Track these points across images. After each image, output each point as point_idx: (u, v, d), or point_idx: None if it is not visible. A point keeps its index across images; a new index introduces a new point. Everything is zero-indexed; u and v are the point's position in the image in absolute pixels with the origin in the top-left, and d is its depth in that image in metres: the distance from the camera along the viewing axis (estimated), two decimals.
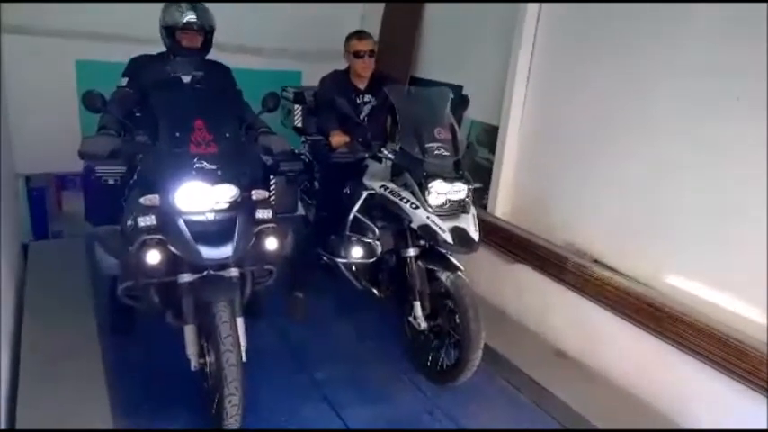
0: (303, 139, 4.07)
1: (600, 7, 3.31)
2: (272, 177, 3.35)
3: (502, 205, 4.02)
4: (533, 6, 3.67)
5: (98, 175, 2.90)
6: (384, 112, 3.57)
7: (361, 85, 3.57)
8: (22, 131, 4.13)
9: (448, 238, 2.80)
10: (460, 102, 3.24)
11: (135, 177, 2.83)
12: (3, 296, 2.77)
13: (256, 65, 4.51)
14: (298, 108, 4.04)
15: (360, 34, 3.54)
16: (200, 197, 2.41)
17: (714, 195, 2.78)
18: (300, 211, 3.96)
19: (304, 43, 4.87)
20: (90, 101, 2.56)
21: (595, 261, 3.33)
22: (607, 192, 3.31)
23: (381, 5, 5.13)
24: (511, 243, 3.77)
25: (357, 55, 3.48)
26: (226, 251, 2.41)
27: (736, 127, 2.68)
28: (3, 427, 2.30)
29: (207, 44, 3.06)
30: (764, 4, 2.55)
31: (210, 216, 2.44)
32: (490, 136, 4.11)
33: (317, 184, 3.85)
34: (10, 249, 3.33)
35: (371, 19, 5.10)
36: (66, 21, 4.22)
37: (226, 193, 2.45)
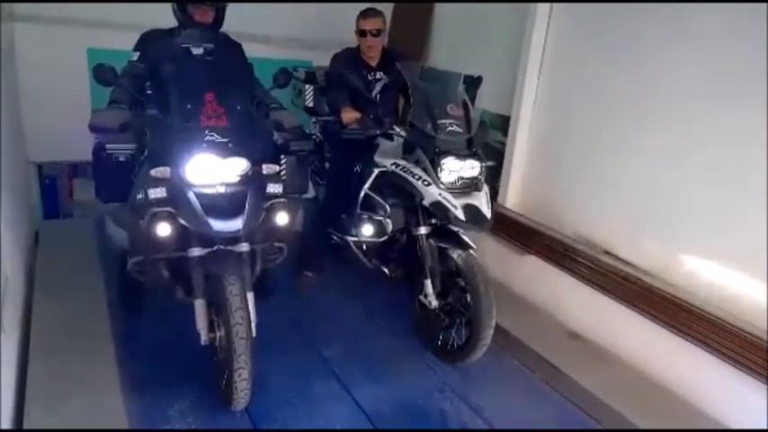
0: (314, 119, 4.04)
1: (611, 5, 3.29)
2: (282, 157, 3.32)
3: (512, 197, 3.99)
4: (544, 5, 3.65)
5: (108, 152, 2.88)
6: (396, 90, 3.53)
7: (373, 63, 3.53)
8: (34, 120, 4.13)
9: (460, 215, 2.77)
10: (473, 81, 3.20)
11: (145, 153, 2.81)
12: (14, 277, 2.78)
13: (266, 54, 4.47)
14: (309, 88, 4.01)
15: (367, 12, 3.49)
16: (210, 170, 2.39)
17: (725, 188, 2.75)
18: (311, 192, 3.93)
19: (314, 33, 4.83)
20: (101, 73, 2.55)
21: (606, 252, 3.29)
22: (618, 183, 3.28)
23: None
24: (522, 234, 3.74)
25: (362, 33, 3.45)
26: (236, 224, 2.39)
27: (746, 121, 2.65)
28: (10, 412, 2.29)
29: (219, 19, 3.04)
30: (764, 5, 2.55)
31: (221, 189, 2.43)
32: (502, 120, 4.07)
33: (327, 164, 3.82)
34: (22, 234, 3.34)
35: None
36: (78, 9, 4.20)
37: (236, 167, 2.43)
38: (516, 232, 3.78)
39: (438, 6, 4.82)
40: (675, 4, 2.92)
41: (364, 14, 3.48)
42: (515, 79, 3.84)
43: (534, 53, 3.72)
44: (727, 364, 2.63)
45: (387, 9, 4.97)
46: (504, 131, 4.04)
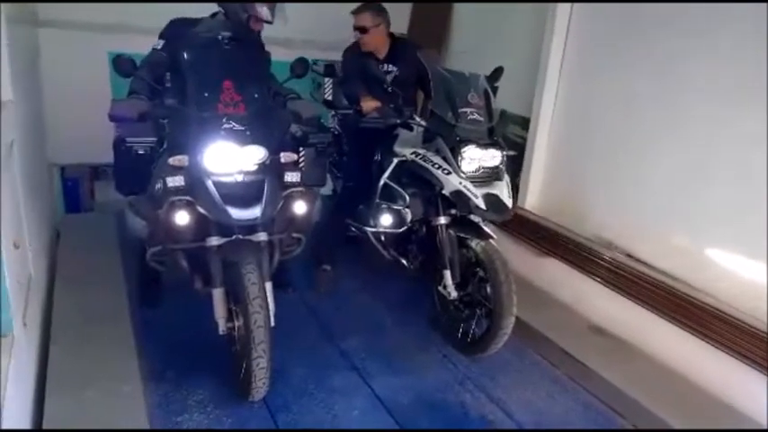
0: (332, 112, 4.03)
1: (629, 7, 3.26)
2: (301, 149, 3.31)
3: (532, 198, 3.95)
4: (564, 6, 3.61)
5: (128, 144, 2.88)
6: (412, 81, 3.49)
7: (380, 55, 3.49)
8: (56, 123, 4.18)
9: (480, 203, 2.73)
10: (494, 71, 3.15)
11: (165, 145, 2.81)
12: (37, 273, 2.80)
13: (285, 56, 4.48)
14: (328, 81, 4.01)
15: (355, 10, 3.46)
16: (228, 158, 2.38)
17: (750, 192, 2.68)
18: (329, 186, 3.92)
19: (333, 34, 4.82)
20: (121, 65, 2.55)
21: (629, 256, 3.23)
22: (640, 186, 3.23)
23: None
24: (542, 237, 3.70)
25: (354, 29, 3.44)
26: (254, 212, 2.38)
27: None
28: (30, 400, 2.30)
29: None
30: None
31: (239, 178, 2.42)
32: (523, 120, 4.02)
33: (345, 157, 3.80)
34: (44, 233, 3.38)
35: (400, 14, 4.98)
36: (100, 14, 4.25)
37: (254, 155, 2.42)
38: (536, 234, 3.73)
39: (457, 7, 4.79)
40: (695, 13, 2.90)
41: (353, 12, 3.46)
42: (535, 80, 3.80)
43: (555, 54, 3.69)
44: (744, 365, 2.60)
45: (406, 9, 4.96)
46: (525, 126, 3.98)
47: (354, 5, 3.48)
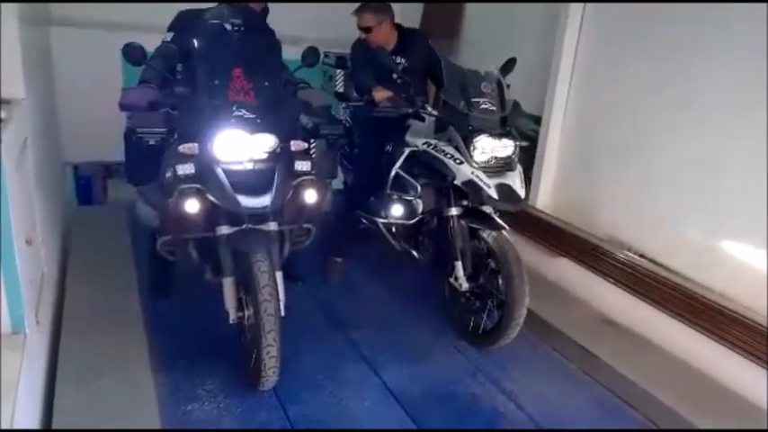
0: (343, 104, 4.00)
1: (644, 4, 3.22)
2: (312, 141, 3.29)
3: (544, 197, 3.91)
4: (577, 5, 3.57)
5: (139, 135, 2.87)
6: (423, 72, 3.45)
7: (388, 48, 3.43)
8: (69, 121, 4.21)
9: (493, 193, 2.70)
10: (507, 62, 3.11)
11: (175, 136, 2.80)
12: (49, 270, 2.81)
13: (295, 54, 4.47)
14: (339, 73, 3.99)
15: (356, 10, 3.39)
16: (238, 146, 2.37)
17: (762, 191, 2.64)
18: (340, 178, 3.90)
19: (342, 32, 4.81)
20: (131, 53, 2.54)
21: (642, 256, 3.19)
22: (652, 186, 3.19)
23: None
24: (554, 236, 3.66)
25: (359, 28, 3.39)
26: (264, 201, 2.37)
27: None
28: (40, 393, 2.30)
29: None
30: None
31: (249, 166, 2.40)
32: (534, 119, 3.98)
33: (356, 149, 3.78)
34: (56, 230, 3.42)
35: (413, 9, 4.98)
36: (112, 13, 4.26)
37: (264, 143, 2.40)
38: (548, 234, 3.70)
39: (468, 6, 4.76)
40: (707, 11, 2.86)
41: (354, 12, 3.40)
42: (547, 79, 3.76)
43: (567, 53, 3.65)
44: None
45: (417, 9, 4.93)
46: (537, 120, 3.94)
47: (356, 4, 3.43)
